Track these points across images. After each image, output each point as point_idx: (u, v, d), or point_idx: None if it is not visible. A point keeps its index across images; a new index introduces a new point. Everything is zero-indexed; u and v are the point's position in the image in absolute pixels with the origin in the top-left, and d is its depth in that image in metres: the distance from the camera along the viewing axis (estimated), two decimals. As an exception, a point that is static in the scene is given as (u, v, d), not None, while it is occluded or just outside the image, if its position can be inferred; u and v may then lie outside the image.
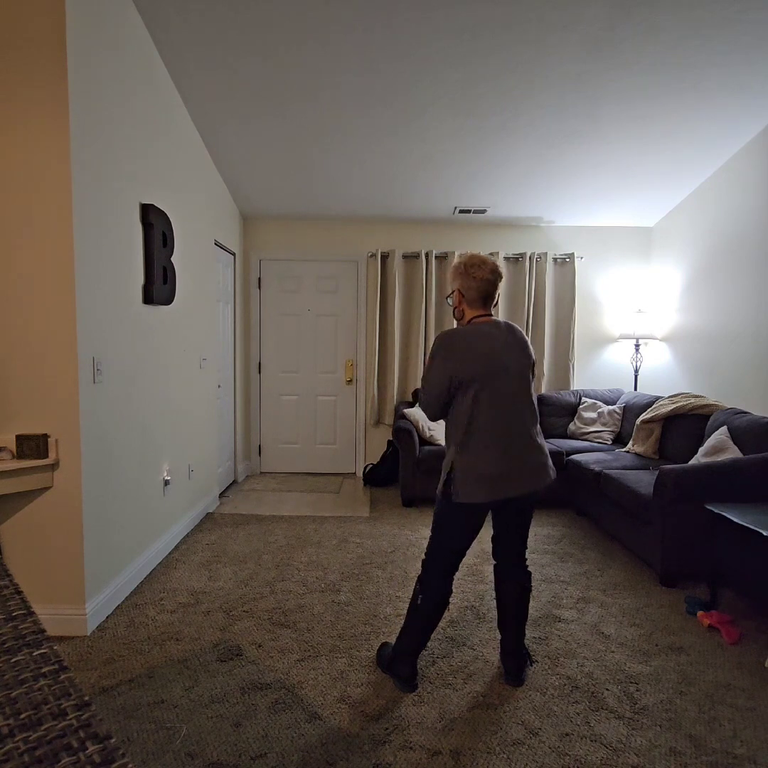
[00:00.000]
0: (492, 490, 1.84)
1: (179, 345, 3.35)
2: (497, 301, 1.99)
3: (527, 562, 2.09)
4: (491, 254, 4.92)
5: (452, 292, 1.97)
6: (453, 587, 2.07)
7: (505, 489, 1.85)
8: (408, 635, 2.00)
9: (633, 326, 4.76)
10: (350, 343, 5.13)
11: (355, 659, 2.18)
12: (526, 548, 2.07)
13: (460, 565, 3.08)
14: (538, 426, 2.00)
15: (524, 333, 2.02)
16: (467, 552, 2.13)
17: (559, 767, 1.64)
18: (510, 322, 2.02)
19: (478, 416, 1.85)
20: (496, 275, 1.91)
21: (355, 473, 5.20)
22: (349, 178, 4.20)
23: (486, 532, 3.62)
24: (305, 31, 2.69)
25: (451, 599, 2.63)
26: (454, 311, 2.00)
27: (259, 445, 5.19)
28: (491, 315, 1.96)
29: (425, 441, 4.30)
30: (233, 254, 4.70)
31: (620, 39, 2.71)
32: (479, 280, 1.88)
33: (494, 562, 2.09)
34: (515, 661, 2.05)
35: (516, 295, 4.98)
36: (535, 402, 2.04)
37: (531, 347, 1.99)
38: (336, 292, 5.11)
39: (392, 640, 2.31)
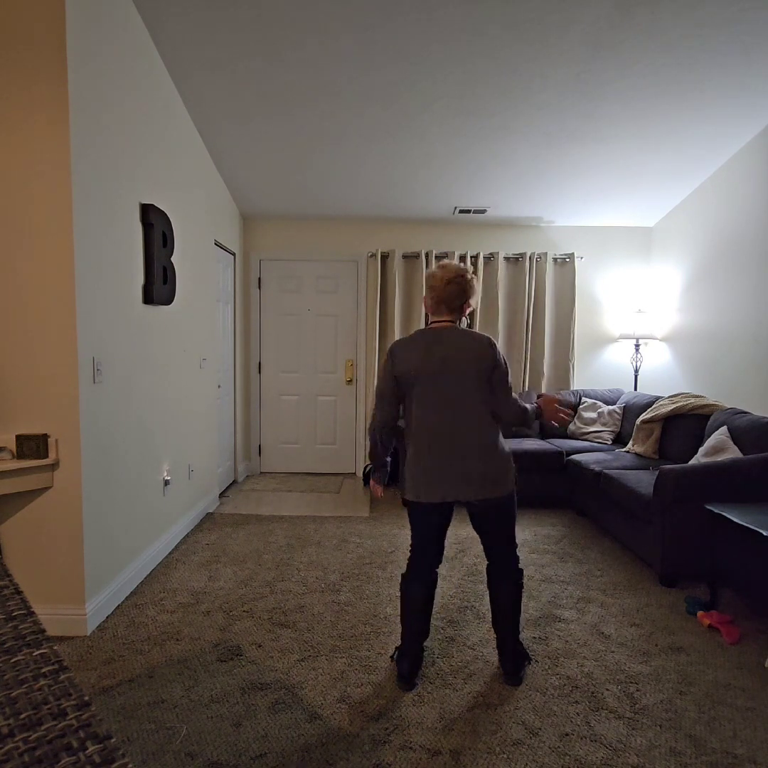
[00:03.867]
0: (422, 490, 1.96)
1: (179, 345, 3.35)
2: (463, 310, 2.02)
3: (518, 561, 2.07)
4: (491, 254, 4.92)
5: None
6: (420, 591, 2.05)
7: (433, 492, 1.94)
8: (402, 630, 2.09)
9: (633, 326, 4.76)
10: (350, 343, 5.13)
11: (355, 659, 2.18)
12: (513, 548, 2.07)
13: (460, 565, 3.08)
14: (493, 434, 1.96)
15: (487, 340, 1.97)
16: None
17: (559, 767, 1.64)
18: (470, 329, 2.01)
19: (415, 417, 1.99)
20: (448, 285, 1.97)
21: (355, 473, 5.20)
22: (349, 178, 4.20)
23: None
24: (305, 31, 2.69)
25: (452, 600, 2.63)
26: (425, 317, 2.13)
27: (259, 445, 5.19)
28: (451, 321, 2.02)
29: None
30: (233, 254, 4.70)
31: (620, 39, 2.71)
32: (433, 289, 2.01)
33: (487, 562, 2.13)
34: (511, 660, 2.05)
35: (516, 295, 4.98)
36: (488, 408, 1.97)
37: (493, 353, 1.94)
38: (336, 292, 5.11)
39: (393, 639, 2.31)
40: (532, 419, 2.03)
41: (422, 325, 4.90)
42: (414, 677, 2.02)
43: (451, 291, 1.98)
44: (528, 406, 2.02)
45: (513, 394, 2.01)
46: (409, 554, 2.11)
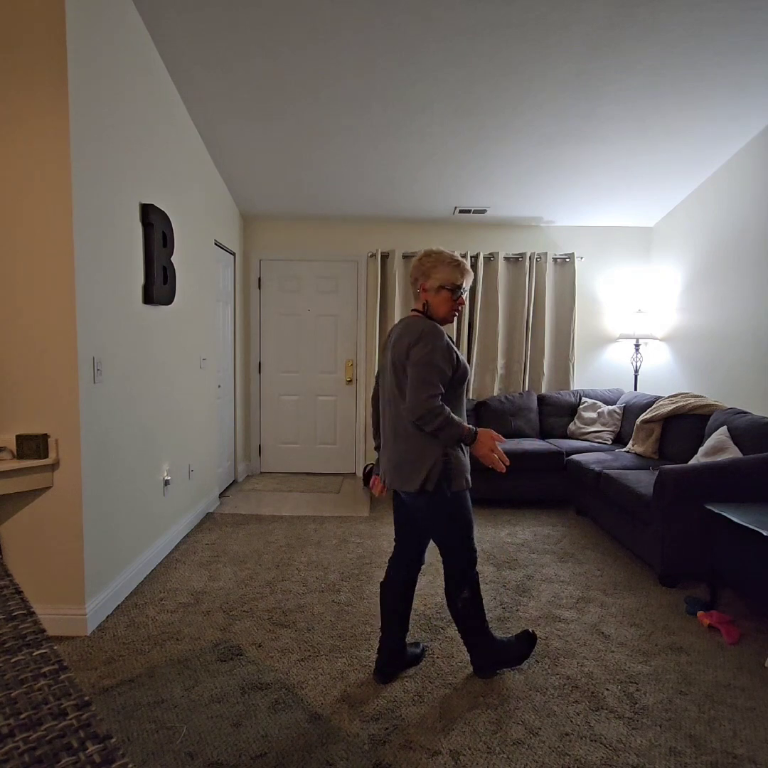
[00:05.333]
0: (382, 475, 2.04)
1: (179, 345, 3.35)
2: (423, 289, 1.93)
3: (449, 571, 2.00)
4: (491, 254, 4.92)
5: None
6: (392, 579, 2.07)
7: (384, 478, 2.02)
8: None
9: (633, 326, 4.76)
10: (350, 343, 5.13)
11: (355, 659, 2.18)
12: (443, 556, 1.98)
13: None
14: (409, 429, 1.86)
15: (410, 329, 1.85)
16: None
17: (559, 767, 1.64)
18: (414, 320, 1.89)
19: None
20: (413, 270, 1.97)
21: (355, 473, 5.20)
22: (349, 178, 4.20)
23: (484, 533, 3.62)
24: (305, 31, 2.69)
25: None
26: None
27: (259, 445, 5.19)
28: (417, 310, 1.98)
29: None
30: (233, 254, 4.70)
31: (620, 39, 2.71)
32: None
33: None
34: (474, 656, 2.07)
35: (516, 295, 4.98)
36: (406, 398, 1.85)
37: (411, 344, 1.82)
38: (336, 292, 5.11)
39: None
40: (452, 435, 1.80)
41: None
42: (388, 669, 2.04)
43: (412, 277, 1.98)
44: (455, 418, 1.80)
45: (424, 394, 1.77)
46: None
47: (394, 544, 2.16)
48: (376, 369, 2.19)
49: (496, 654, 2.08)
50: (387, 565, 2.13)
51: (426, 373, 1.78)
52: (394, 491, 2.06)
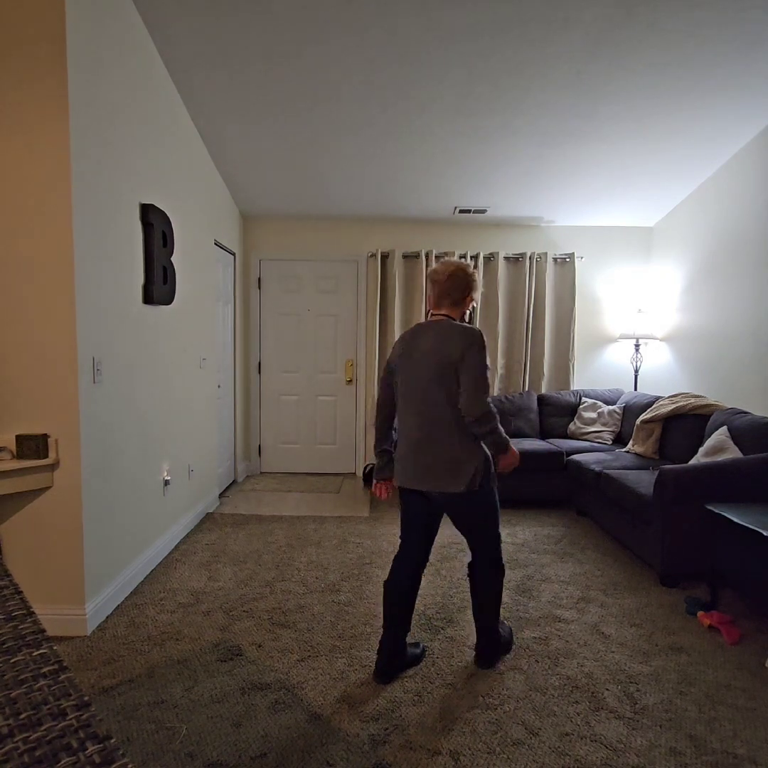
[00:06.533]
0: (400, 476, 2.06)
1: (179, 345, 3.35)
2: (465, 302, 2.07)
3: (495, 559, 2.11)
4: (491, 254, 4.92)
5: None
6: (397, 577, 2.09)
7: (406, 478, 2.04)
8: None
9: (633, 326, 4.76)
10: (350, 343, 5.13)
11: (355, 659, 2.18)
12: (488, 545, 2.10)
13: (460, 565, 3.07)
14: (451, 430, 1.94)
15: (463, 334, 1.93)
16: (424, 548, 2.13)
17: (559, 767, 1.64)
18: (459, 324, 1.99)
19: (398, 405, 2.11)
20: (448, 279, 2.03)
21: (355, 473, 5.20)
22: (349, 178, 4.20)
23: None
24: (305, 31, 2.69)
25: (451, 600, 2.62)
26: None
27: (259, 445, 5.19)
28: (448, 315, 2.06)
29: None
30: (233, 254, 4.70)
31: (620, 39, 2.71)
32: (436, 283, 2.08)
33: None
34: (488, 646, 2.15)
35: (516, 295, 4.98)
36: (452, 404, 1.94)
37: (465, 348, 1.90)
38: (336, 292, 5.11)
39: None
40: (500, 441, 1.95)
41: (422, 325, 4.91)
42: (389, 670, 2.05)
43: (452, 284, 2.03)
44: (501, 429, 1.95)
45: (483, 396, 1.89)
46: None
47: (401, 543, 2.14)
48: (384, 372, 2.13)
49: (499, 643, 2.19)
50: (391, 564, 2.14)
51: (483, 376, 1.92)
52: (404, 491, 2.08)
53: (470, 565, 2.17)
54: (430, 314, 2.12)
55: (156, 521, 3.06)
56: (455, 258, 4.85)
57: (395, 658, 2.07)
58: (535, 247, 5.02)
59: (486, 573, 2.11)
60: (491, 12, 2.56)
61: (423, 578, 2.92)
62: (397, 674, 2.08)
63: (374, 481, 2.20)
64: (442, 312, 2.07)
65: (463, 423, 1.94)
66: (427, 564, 3.04)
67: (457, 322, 2.03)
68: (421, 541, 2.10)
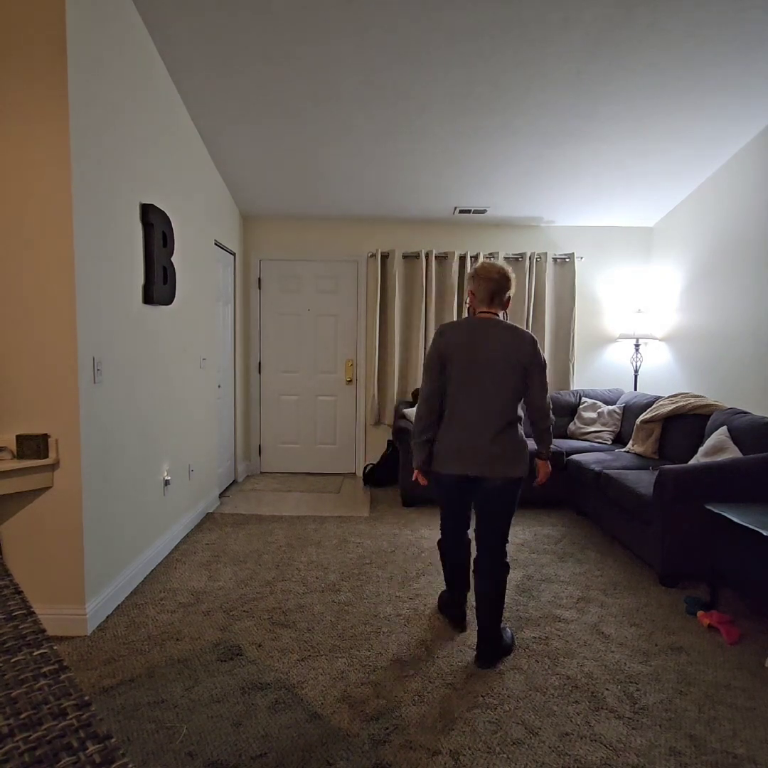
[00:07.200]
0: (450, 463, 2.16)
1: (179, 345, 3.35)
2: (507, 302, 2.22)
3: (505, 556, 2.22)
4: (491, 254, 4.93)
5: (468, 294, 2.30)
6: (455, 550, 2.41)
7: (452, 465, 2.15)
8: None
9: (633, 326, 4.76)
10: (350, 343, 5.13)
11: (355, 659, 2.18)
12: (503, 541, 2.20)
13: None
14: (512, 421, 2.14)
15: (529, 337, 2.14)
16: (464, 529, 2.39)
17: (559, 767, 1.64)
18: (516, 325, 2.18)
19: (451, 394, 2.18)
20: (501, 277, 2.17)
21: (355, 473, 5.20)
22: (350, 178, 4.20)
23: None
24: (305, 32, 2.69)
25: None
26: (468, 309, 2.29)
27: (259, 445, 5.19)
28: (495, 313, 2.20)
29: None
30: (233, 254, 4.70)
31: (620, 39, 2.71)
32: (489, 281, 2.17)
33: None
34: (489, 647, 2.16)
35: (516, 295, 4.97)
36: (515, 399, 2.15)
37: (534, 351, 2.12)
38: (336, 292, 5.11)
39: (393, 639, 2.32)
40: (551, 437, 2.25)
41: (422, 325, 4.92)
42: (464, 620, 2.41)
43: (506, 284, 2.17)
44: (552, 438, 2.26)
45: (547, 394, 2.17)
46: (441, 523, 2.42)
47: (445, 528, 2.39)
48: (433, 362, 2.21)
49: (500, 643, 2.21)
50: (444, 544, 2.43)
51: (544, 374, 2.15)
52: (449, 478, 2.19)
53: (476, 561, 2.22)
54: (475, 311, 2.21)
55: (156, 521, 3.06)
56: (455, 258, 4.89)
57: (463, 609, 2.44)
58: (535, 247, 5.02)
59: (493, 568, 2.17)
60: (491, 12, 2.56)
61: (422, 578, 2.93)
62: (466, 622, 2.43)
63: (416, 470, 2.30)
64: (493, 310, 2.18)
65: (518, 416, 2.16)
66: (426, 564, 3.06)
67: (514, 324, 2.18)
68: (464, 520, 2.34)
